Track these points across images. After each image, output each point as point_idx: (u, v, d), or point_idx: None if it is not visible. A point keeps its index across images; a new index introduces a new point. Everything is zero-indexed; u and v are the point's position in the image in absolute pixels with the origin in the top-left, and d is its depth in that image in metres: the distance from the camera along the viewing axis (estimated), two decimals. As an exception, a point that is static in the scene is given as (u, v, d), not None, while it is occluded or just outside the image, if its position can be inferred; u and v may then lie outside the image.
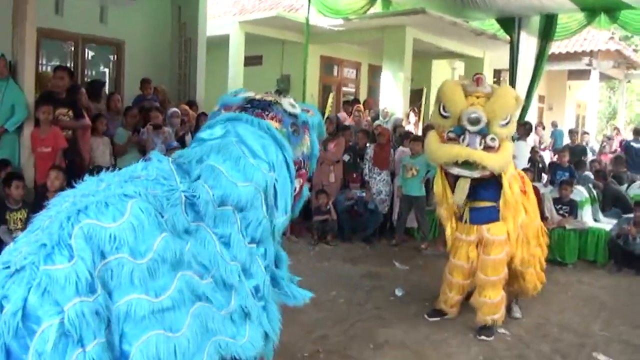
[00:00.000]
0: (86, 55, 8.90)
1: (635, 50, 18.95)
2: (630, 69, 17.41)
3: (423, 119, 11.21)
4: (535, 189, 5.60)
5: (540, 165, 9.53)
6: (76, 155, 6.21)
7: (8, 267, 1.81)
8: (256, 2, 13.06)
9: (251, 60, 11.89)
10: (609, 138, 12.96)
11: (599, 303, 5.58)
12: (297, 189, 2.93)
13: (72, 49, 8.64)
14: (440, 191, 4.70)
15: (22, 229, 4.42)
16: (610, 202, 8.12)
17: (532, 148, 9.87)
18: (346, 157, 8.30)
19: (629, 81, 19.10)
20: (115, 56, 9.08)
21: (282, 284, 2.73)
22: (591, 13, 10.11)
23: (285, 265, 2.84)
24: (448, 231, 4.84)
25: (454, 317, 4.82)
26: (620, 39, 16.34)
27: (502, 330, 4.62)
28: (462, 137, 4.25)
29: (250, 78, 10.84)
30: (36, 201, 5.19)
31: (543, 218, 5.75)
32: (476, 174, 4.28)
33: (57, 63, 8.30)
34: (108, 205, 2.00)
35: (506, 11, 10.59)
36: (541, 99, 18.06)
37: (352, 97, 12.80)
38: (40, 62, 7.96)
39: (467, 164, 4.23)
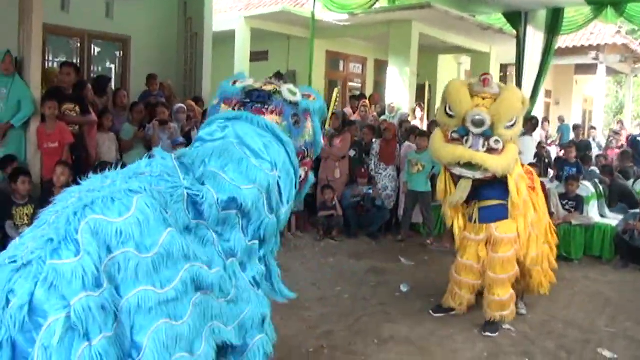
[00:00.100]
0: (92, 51, 8.93)
1: (642, 44, 18.81)
2: (638, 63, 17.28)
3: (429, 114, 11.20)
4: (542, 185, 5.59)
5: (547, 161, 9.50)
6: (82, 151, 6.24)
7: (15, 262, 1.82)
8: (262, -3, 13.06)
9: (257, 56, 11.89)
10: (616, 133, 12.88)
11: (605, 299, 5.57)
12: (303, 176, 2.93)
13: (79, 45, 8.67)
14: (442, 188, 4.71)
15: (29, 225, 4.44)
16: (617, 197, 8.08)
17: (539, 143, 9.84)
18: (352, 153, 8.30)
19: (636, 75, 18.98)
20: (122, 52, 9.11)
21: (275, 280, 2.76)
22: (598, 7, 10.07)
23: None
24: (456, 230, 4.84)
25: (460, 314, 4.82)
26: (627, 33, 16.23)
27: (507, 327, 4.62)
28: (465, 138, 4.25)
29: (256, 73, 10.63)
30: (42, 197, 5.21)
31: (549, 213, 5.73)
32: (478, 175, 4.28)
33: (64, 59, 8.34)
34: (114, 200, 2.02)
35: (512, 5, 10.56)
36: (548, 93, 18.00)
37: (358, 93, 12.79)
38: (46, 58, 8.00)
39: (470, 165, 4.24)
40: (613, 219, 7.41)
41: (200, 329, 2.15)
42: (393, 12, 10.88)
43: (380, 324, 4.63)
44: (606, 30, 15.00)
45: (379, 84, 13.76)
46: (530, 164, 6.69)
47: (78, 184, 2.20)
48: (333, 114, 9.05)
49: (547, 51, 10.82)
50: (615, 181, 8.38)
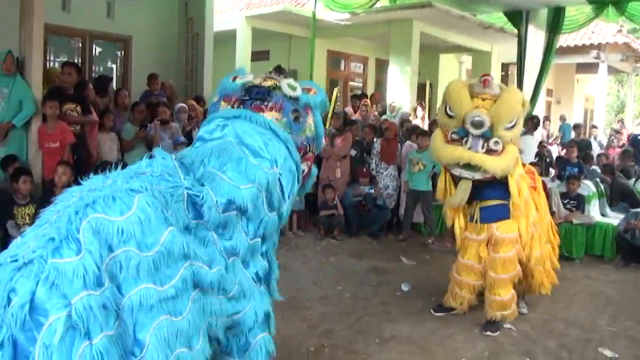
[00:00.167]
0: (93, 51, 8.95)
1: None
2: (639, 62, 17.27)
3: (430, 113, 11.19)
4: (543, 184, 5.59)
5: (548, 160, 9.49)
6: (84, 151, 6.25)
7: (16, 261, 1.83)
8: (262, -4, 13.07)
9: (258, 55, 11.89)
10: (618, 132, 12.86)
11: (606, 298, 5.57)
12: (306, 170, 2.92)
13: (80, 45, 8.69)
14: (442, 188, 4.73)
15: (30, 224, 4.42)
16: (618, 196, 8.08)
17: (540, 142, 9.83)
18: (353, 152, 8.30)
19: (637, 74, 18.95)
20: (123, 52, 9.12)
21: (272, 277, 2.77)
22: (599, 5, 10.07)
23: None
24: (457, 230, 4.84)
25: (460, 313, 4.81)
26: (628, 32, 16.22)
27: (508, 326, 4.62)
28: (465, 139, 4.25)
29: (258, 73, 10.80)
30: (44, 196, 5.22)
31: (550, 213, 5.73)
32: (478, 176, 4.28)
33: (65, 59, 8.34)
34: (115, 199, 2.03)
35: (513, 4, 10.56)
36: (549, 92, 17.98)
37: (359, 92, 12.79)
38: (48, 58, 8.01)
39: (469, 166, 4.24)
40: (614, 218, 7.40)
41: (199, 323, 2.17)
42: (394, 11, 10.88)
43: (381, 323, 4.63)
44: (607, 29, 14.99)
45: (380, 83, 13.76)
46: (531, 163, 6.69)
47: (79, 183, 2.21)
48: (335, 113, 9.06)
49: (549, 50, 10.82)
50: (617, 180, 8.38)
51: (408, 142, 8.27)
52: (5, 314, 1.73)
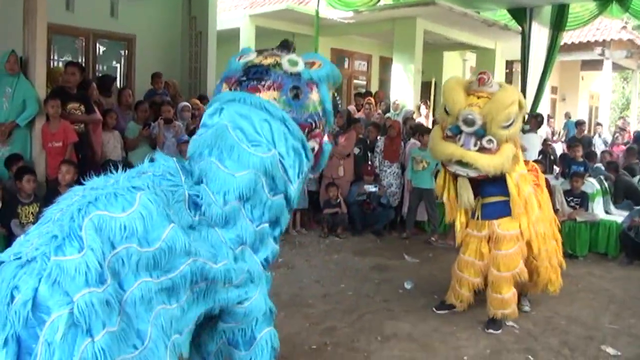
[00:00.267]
0: (97, 51, 8.97)
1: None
2: (644, 59, 17.19)
3: (434, 111, 11.17)
4: (546, 182, 5.57)
5: (552, 157, 9.47)
6: (88, 150, 6.28)
7: (19, 258, 1.86)
8: (266, -5, 13.06)
9: (262, 54, 11.87)
10: (622, 129, 12.81)
11: (609, 296, 5.56)
12: (317, 148, 2.83)
13: (83, 44, 8.71)
14: (441, 184, 4.74)
15: (34, 223, 4.45)
16: (622, 194, 8.05)
17: (544, 140, 9.80)
18: (356, 150, 8.31)
19: (642, 71, 18.86)
20: (126, 51, 9.15)
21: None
22: (603, 2, 10.01)
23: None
24: (457, 227, 4.84)
25: (463, 311, 4.82)
26: (633, 29, 16.11)
27: (510, 324, 4.62)
28: (458, 136, 4.26)
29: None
30: (48, 195, 5.25)
31: (554, 210, 5.72)
32: (472, 174, 4.28)
33: (69, 58, 8.38)
34: (117, 196, 2.06)
35: (517, 1, 10.51)
36: (554, 89, 17.92)
37: (363, 90, 12.78)
38: (51, 57, 8.03)
39: (463, 163, 4.25)
40: (618, 216, 7.38)
41: (196, 310, 2.29)
42: (397, 9, 10.86)
43: (383, 320, 4.64)
44: (612, 25, 14.92)
45: (384, 82, 13.75)
46: (535, 161, 6.68)
47: (83, 182, 2.24)
48: (337, 112, 9.05)
49: (553, 47, 10.75)
50: (621, 177, 8.35)
51: (412, 140, 8.26)
52: (9, 311, 1.76)
